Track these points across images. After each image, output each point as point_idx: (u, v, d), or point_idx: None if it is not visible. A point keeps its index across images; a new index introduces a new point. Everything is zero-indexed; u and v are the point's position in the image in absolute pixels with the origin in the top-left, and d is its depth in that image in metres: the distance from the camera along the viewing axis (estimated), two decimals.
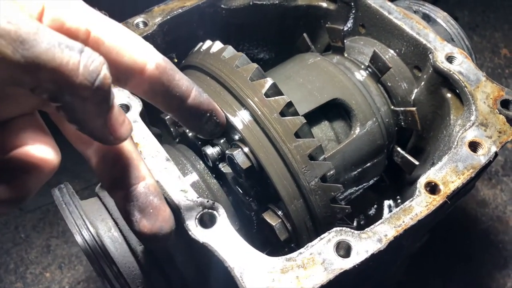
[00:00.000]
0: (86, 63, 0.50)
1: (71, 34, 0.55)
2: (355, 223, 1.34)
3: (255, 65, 0.95)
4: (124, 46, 0.58)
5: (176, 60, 1.23)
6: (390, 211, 1.27)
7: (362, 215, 1.38)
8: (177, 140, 1.14)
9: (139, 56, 0.59)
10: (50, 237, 1.82)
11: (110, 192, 0.66)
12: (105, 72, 0.52)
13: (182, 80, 0.64)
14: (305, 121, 0.91)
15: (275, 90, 0.93)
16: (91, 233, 0.84)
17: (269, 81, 0.93)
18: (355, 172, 1.11)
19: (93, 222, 0.89)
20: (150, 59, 0.60)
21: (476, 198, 1.89)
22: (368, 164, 1.13)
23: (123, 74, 0.59)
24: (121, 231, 0.91)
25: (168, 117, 1.13)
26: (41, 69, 0.48)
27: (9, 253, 1.77)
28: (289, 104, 0.91)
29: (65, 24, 0.55)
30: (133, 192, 0.64)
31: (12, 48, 0.47)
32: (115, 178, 0.64)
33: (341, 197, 1.13)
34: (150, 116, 1.07)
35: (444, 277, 1.68)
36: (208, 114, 0.69)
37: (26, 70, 0.48)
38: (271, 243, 1.01)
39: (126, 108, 0.95)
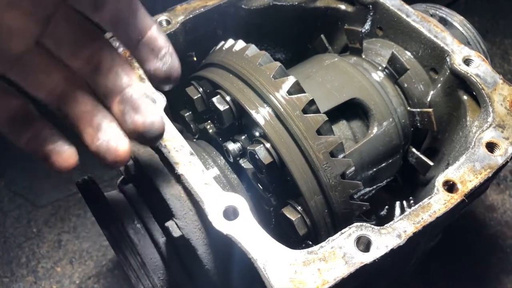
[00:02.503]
0: None
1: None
2: None
3: (278, 64, 0.97)
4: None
5: (195, 59, 1.25)
6: (402, 211, 1.29)
7: (374, 215, 1.39)
8: (197, 136, 1.16)
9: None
10: (62, 232, 1.84)
11: (107, 100, 0.72)
12: None
13: (145, 14, 0.71)
14: (327, 118, 0.93)
15: (297, 88, 0.95)
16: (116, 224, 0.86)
17: (291, 79, 0.95)
18: (371, 171, 1.13)
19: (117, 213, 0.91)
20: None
21: (485, 203, 1.90)
22: (384, 163, 1.14)
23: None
24: (144, 223, 0.93)
25: (188, 113, 1.16)
26: None
27: (21, 247, 1.79)
28: (311, 102, 0.94)
29: None
30: (126, 94, 0.71)
31: None
32: (108, 85, 0.72)
33: (355, 197, 1.15)
34: (170, 112, 1.09)
35: (452, 280, 1.69)
36: (164, 51, 0.72)
37: None
38: (288, 239, 1.02)
39: None
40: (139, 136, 0.72)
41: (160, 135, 0.73)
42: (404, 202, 1.34)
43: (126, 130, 0.71)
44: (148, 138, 0.72)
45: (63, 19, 0.69)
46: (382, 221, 1.38)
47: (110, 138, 0.69)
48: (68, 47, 0.70)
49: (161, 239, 0.92)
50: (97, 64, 0.72)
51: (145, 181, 0.93)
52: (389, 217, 1.36)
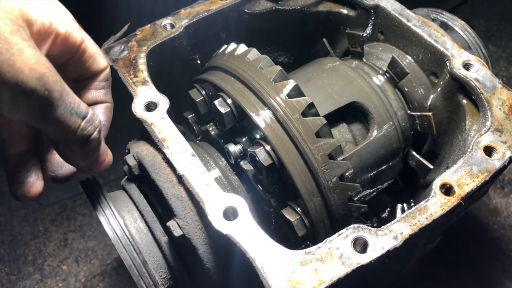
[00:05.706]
0: (83, 128, 0.70)
1: (76, 48, 0.74)
2: None
3: (279, 67, 0.99)
4: (96, 53, 0.79)
5: (199, 62, 1.27)
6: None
7: (375, 217, 1.40)
8: (199, 138, 1.18)
9: (103, 63, 0.80)
10: (68, 231, 1.87)
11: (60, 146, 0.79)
12: (95, 136, 0.72)
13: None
14: (326, 121, 0.95)
15: (297, 92, 0.97)
16: (119, 223, 0.88)
17: (291, 83, 0.97)
18: (371, 174, 1.14)
19: (120, 213, 0.93)
20: (107, 66, 0.82)
21: (488, 206, 1.90)
22: (384, 166, 1.16)
23: (89, 74, 0.80)
24: (146, 222, 0.95)
25: (191, 115, 1.18)
26: (53, 125, 0.66)
27: (28, 245, 1.82)
28: (311, 105, 0.95)
29: (75, 41, 0.74)
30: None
31: (40, 112, 0.64)
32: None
33: (355, 199, 1.16)
34: (174, 114, 1.11)
35: (454, 282, 1.69)
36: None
37: (44, 123, 0.65)
38: (288, 240, 1.04)
39: (154, 105, 0.99)
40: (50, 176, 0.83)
41: (64, 178, 0.85)
42: (405, 205, 1.35)
43: (44, 169, 0.81)
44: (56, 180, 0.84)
45: None
46: (383, 223, 1.38)
47: (31, 175, 0.78)
48: None
49: (163, 238, 0.94)
50: None
51: (148, 181, 0.95)
52: (391, 219, 1.36)
